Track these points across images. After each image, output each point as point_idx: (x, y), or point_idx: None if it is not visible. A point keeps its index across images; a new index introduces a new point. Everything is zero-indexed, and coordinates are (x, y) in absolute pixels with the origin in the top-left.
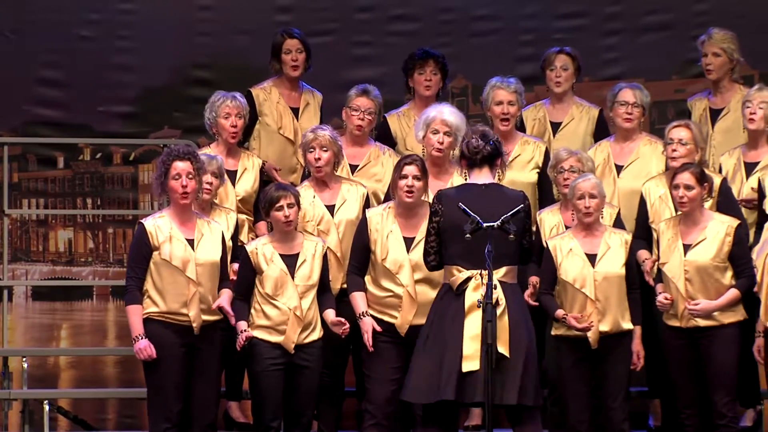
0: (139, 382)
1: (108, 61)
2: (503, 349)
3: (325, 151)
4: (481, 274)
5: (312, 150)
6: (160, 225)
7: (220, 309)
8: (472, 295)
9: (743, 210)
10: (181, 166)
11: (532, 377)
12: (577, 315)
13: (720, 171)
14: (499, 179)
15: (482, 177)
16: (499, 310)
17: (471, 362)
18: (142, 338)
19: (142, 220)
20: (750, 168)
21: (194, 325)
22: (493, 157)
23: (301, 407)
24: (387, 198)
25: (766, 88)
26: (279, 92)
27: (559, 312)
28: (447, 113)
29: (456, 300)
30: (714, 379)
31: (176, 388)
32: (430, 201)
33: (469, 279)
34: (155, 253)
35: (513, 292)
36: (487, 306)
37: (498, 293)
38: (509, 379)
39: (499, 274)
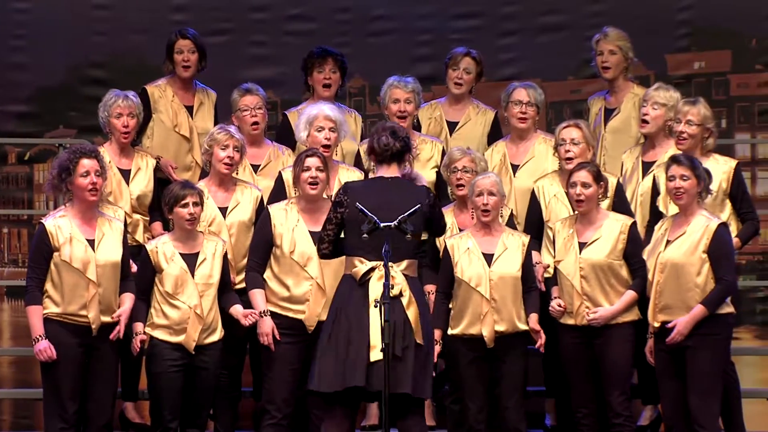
0: (34, 382)
1: (2, 60)
2: (418, 338)
3: (237, 151)
4: (383, 266)
5: (225, 148)
6: (60, 225)
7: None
8: (377, 285)
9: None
10: (88, 163)
11: (429, 370)
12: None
13: (621, 169)
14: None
15: (390, 173)
16: (405, 301)
17: (377, 352)
18: (42, 339)
19: (42, 220)
20: (647, 167)
21: (93, 326)
22: (402, 153)
23: (198, 407)
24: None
25: (663, 88)
26: (173, 90)
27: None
28: (327, 109)
29: (359, 290)
30: (609, 378)
31: (73, 389)
32: (329, 195)
33: (372, 270)
34: (55, 254)
35: (414, 285)
36: (385, 306)
37: (402, 285)
38: (415, 369)
39: (401, 267)
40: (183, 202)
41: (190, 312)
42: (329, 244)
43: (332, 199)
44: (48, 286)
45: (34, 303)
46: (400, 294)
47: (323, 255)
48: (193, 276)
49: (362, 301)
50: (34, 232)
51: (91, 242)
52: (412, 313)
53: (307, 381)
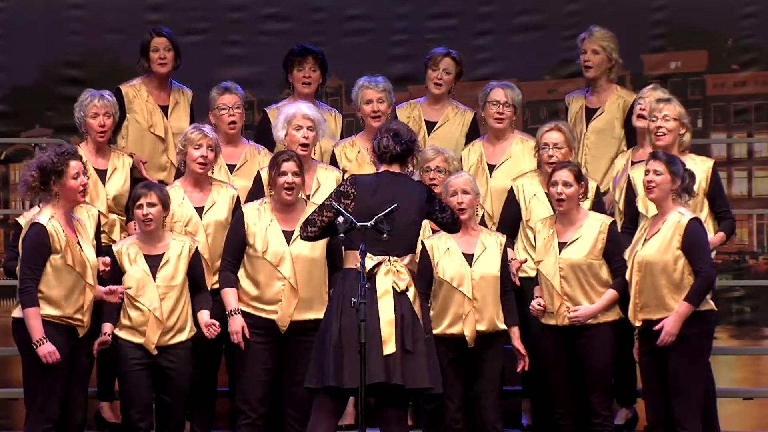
0: (11, 382)
1: None
2: (426, 332)
3: (211, 150)
4: (390, 260)
5: (199, 147)
6: (55, 227)
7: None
8: (384, 280)
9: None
10: (78, 164)
11: (437, 363)
12: None
13: (614, 170)
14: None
15: (393, 170)
16: (411, 295)
17: (389, 345)
18: (45, 341)
19: (38, 221)
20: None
21: (85, 328)
22: (403, 156)
23: (171, 409)
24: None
25: (661, 89)
26: (148, 90)
27: None
28: (305, 108)
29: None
30: (590, 378)
31: (62, 389)
32: (305, 196)
33: (378, 264)
34: (56, 257)
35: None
36: (361, 306)
37: (408, 280)
38: (428, 362)
39: (404, 261)
40: (138, 203)
41: (150, 315)
42: (318, 230)
43: (337, 187)
44: (43, 287)
45: (32, 305)
46: (407, 289)
47: (306, 237)
48: (154, 278)
49: (370, 295)
50: (27, 232)
51: (79, 244)
52: (417, 307)
53: (317, 377)
